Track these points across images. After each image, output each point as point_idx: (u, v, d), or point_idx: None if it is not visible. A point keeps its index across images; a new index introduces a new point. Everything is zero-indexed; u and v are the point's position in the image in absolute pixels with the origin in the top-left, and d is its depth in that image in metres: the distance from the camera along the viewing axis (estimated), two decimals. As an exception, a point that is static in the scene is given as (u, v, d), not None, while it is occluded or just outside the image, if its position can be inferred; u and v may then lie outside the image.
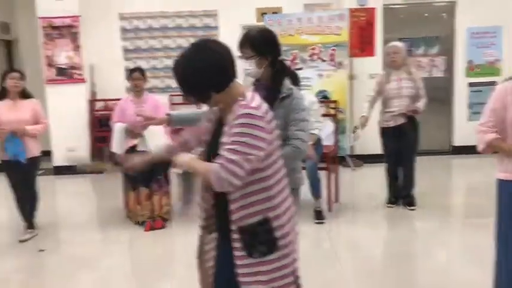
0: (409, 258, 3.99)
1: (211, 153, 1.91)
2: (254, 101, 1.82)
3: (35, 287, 3.65)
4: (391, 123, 4.83)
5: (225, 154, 1.75)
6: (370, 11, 6.97)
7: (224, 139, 1.80)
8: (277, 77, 2.39)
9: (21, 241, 4.46)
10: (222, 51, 1.83)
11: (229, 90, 1.84)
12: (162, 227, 4.67)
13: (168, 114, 2.61)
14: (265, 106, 1.85)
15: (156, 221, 4.66)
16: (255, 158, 1.76)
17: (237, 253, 1.87)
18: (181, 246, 4.31)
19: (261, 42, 2.35)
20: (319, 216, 4.69)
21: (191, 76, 1.80)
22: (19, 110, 4.40)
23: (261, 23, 7.16)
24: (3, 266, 4.02)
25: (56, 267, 4.02)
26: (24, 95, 4.50)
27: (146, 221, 4.66)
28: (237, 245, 1.86)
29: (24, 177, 4.47)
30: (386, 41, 6.91)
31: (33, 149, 4.48)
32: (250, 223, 1.84)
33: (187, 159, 1.89)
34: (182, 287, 3.52)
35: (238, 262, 1.87)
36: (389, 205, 5.07)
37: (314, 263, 3.82)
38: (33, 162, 4.50)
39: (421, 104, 4.76)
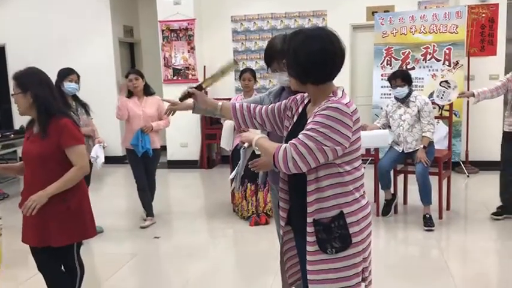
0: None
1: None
2: (345, 98, 1.81)
3: (148, 271, 3.94)
4: None
5: (300, 137, 1.74)
6: (493, 7, 6.48)
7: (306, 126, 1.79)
8: None
9: (142, 227, 4.84)
10: (340, 49, 1.82)
11: (323, 88, 1.84)
12: (266, 222, 4.78)
13: (194, 103, 2.65)
14: (354, 105, 1.82)
15: (260, 217, 4.79)
16: (330, 150, 1.73)
17: (310, 248, 1.84)
18: (285, 243, 4.37)
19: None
20: (428, 223, 4.48)
21: (304, 58, 1.78)
22: (145, 106, 4.80)
23: (371, 22, 7.01)
24: (121, 250, 4.38)
25: (167, 254, 4.31)
26: (148, 92, 4.87)
27: (251, 216, 4.81)
28: (310, 239, 1.84)
29: (147, 167, 4.88)
30: (510, 39, 6.42)
31: (156, 142, 4.87)
32: (326, 217, 1.82)
33: (257, 136, 1.91)
34: (285, 283, 3.56)
35: (310, 258, 1.85)
36: (493, 216, 4.69)
37: (423, 271, 3.66)
38: (155, 153, 4.89)
39: None
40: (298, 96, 2.04)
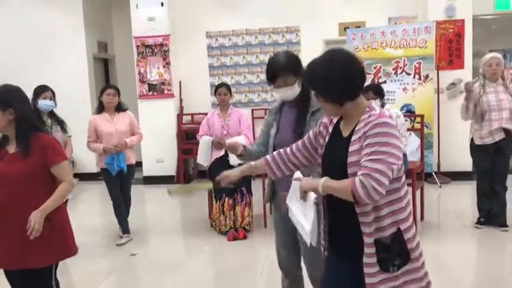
0: (499, 281, 3.75)
1: (328, 164, 1.90)
2: (383, 111, 1.85)
3: (127, 288, 3.90)
4: (490, 140, 4.58)
5: (368, 164, 1.71)
6: (459, 23, 6.72)
7: (355, 148, 1.79)
8: (305, 93, 2.52)
9: (119, 245, 4.77)
10: (360, 62, 1.91)
11: (359, 101, 1.88)
12: (244, 237, 4.78)
13: (244, 147, 2.64)
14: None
15: (238, 232, 4.79)
16: (396, 167, 1.75)
17: (369, 270, 1.81)
18: (263, 257, 4.38)
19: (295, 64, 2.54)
20: (402, 233, 4.56)
21: (338, 79, 1.81)
22: (117, 123, 4.77)
23: (343, 37, 7.16)
24: (97, 268, 4.31)
25: (144, 272, 4.26)
26: (119, 108, 4.86)
27: (229, 231, 4.81)
28: (370, 260, 1.80)
29: (122, 183, 4.84)
30: (476, 53, 6.64)
31: (131, 158, 4.85)
32: (384, 236, 1.80)
33: (323, 180, 1.83)
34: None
35: (371, 280, 1.81)
36: (478, 226, 4.81)
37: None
38: (130, 169, 4.86)
39: None
40: (325, 119, 2.04)
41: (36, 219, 2.42)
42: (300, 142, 2.15)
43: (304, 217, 1.94)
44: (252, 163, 2.31)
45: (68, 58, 7.98)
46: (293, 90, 2.52)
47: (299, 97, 2.54)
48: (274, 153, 2.24)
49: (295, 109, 2.57)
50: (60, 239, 2.57)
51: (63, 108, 5.00)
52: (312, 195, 1.89)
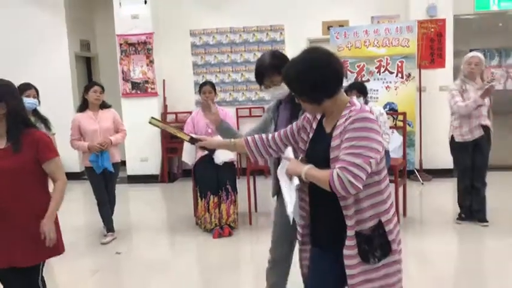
0: (479, 275, 3.85)
1: (312, 160, 1.93)
2: (365, 106, 1.88)
3: (111, 287, 3.87)
4: (470, 137, 4.67)
5: (346, 158, 1.75)
6: (440, 22, 6.83)
7: (336, 143, 1.82)
8: None
9: (103, 243, 4.74)
10: (338, 60, 1.91)
11: (338, 97, 1.90)
12: (230, 234, 4.80)
13: (221, 121, 2.66)
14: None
15: (224, 229, 4.81)
16: (374, 161, 1.78)
17: (350, 261, 1.84)
18: (248, 254, 4.41)
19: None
20: (386, 229, 4.63)
21: (311, 79, 1.83)
22: (101, 120, 4.75)
23: (326, 36, 7.22)
24: (82, 267, 4.29)
25: (129, 270, 4.25)
26: (103, 105, 4.84)
27: (214, 229, 4.82)
28: (351, 252, 1.83)
29: (107, 181, 4.81)
30: (457, 53, 6.76)
31: (115, 156, 4.83)
32: (365, 228, 1.83)
33: (305, 167, 1.87)
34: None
35: (351, 271, 1.84)
36: (459, 221, 4.90)
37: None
38: (115, 167, 4.84)
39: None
40: (308, 114, 2.06)
41: (48, 228, 2.43)
42: (282, 131, 2.18)
43: (289, 196, 1.98)
44: (232, 140, 2.36)
45: (50, 57, 7.88)
46: (281, 90, 2.56)
47: (290, 95, 2.55)
48: (256, 136, 2.26)
49: (289, 107, 2.61)
50: None
51: (45, 106, 4.95)
52: (296, 181, 1.92)
